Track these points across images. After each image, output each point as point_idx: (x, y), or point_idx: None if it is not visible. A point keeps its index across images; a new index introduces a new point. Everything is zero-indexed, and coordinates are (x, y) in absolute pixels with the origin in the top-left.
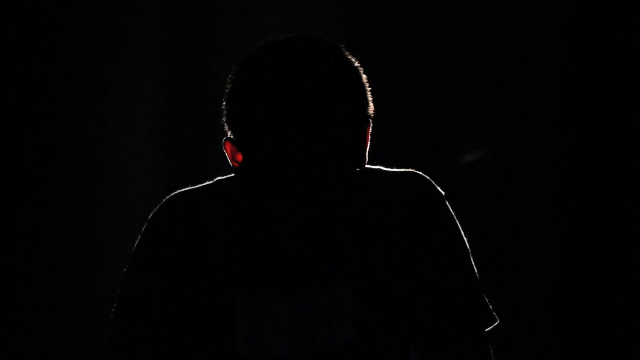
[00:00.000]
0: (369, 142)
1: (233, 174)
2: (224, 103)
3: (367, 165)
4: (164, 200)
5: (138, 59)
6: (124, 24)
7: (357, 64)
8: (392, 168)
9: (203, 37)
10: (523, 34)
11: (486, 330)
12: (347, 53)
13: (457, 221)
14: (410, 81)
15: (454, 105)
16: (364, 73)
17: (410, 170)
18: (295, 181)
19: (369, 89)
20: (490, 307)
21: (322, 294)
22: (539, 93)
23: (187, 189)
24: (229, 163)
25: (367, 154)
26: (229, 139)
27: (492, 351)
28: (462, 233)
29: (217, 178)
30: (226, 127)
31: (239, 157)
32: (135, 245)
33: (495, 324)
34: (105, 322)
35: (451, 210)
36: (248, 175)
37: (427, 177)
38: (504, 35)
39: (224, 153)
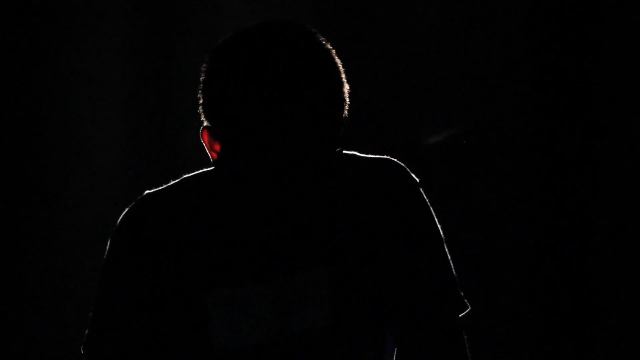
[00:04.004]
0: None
1: (199, 171)
2: (200, 92)
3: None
4: (133, 202)
5: (105, 55)
6: (91, 21)
7: (329, 45)
8: (367, 154)
9: (171, 33)
10: (495, 15)
11: (460, 316)
12: (319, 35)
13: (431, 208)
14: (380, 66)
15: (425, 91)
16: (336, 55)
17: (385, 157)
18: (272, 165)
19: (342, 70)
20: (462, 294)
21: (297, 279)
22: (510, 75)
23: (155, 189)
24: (207, 154)
25: (343, 136)
26: (206, 127)
27: (465, 336)
28: (436, 220)
29: (184, 176)
30: (202, 117)
31: (217, 147)
32: (107, 247)
33: (467, 311)
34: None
35: (425, 197)
36: (226, 163)
37: (402, 164)
38: (474, 18)
39: (202, 144)
